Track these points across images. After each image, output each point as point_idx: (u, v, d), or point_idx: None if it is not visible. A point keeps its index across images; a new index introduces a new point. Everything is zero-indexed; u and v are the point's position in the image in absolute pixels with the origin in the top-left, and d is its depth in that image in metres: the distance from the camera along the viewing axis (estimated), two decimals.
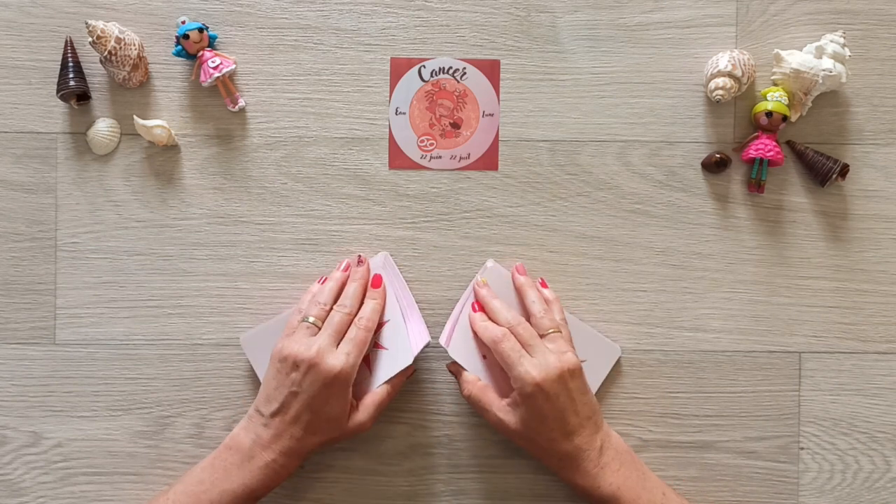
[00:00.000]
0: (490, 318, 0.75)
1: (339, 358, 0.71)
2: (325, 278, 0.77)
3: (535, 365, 0.71)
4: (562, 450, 0.71)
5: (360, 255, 0.77)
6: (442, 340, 0.76)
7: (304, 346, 0.71)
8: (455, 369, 0.76)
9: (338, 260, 0.79)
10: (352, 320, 0.74)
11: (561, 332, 0.74)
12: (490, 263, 0.78)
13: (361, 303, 0.76)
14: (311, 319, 0.73)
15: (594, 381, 0.77)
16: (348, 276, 0.77)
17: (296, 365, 0.71)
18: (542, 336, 0.73)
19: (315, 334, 0.73)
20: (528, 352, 0.72)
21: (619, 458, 0.73)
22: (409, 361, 0.75)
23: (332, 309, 0.74)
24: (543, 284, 0.78)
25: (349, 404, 0.72)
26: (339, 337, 0.73)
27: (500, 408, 0.73)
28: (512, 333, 0.73)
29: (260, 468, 0.71)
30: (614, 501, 0.71)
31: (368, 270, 0.77)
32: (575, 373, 0.72)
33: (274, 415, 0.71)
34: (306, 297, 0.77)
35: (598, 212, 0.80)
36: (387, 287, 0.77)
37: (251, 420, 0.73)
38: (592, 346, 0.78)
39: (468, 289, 0.78)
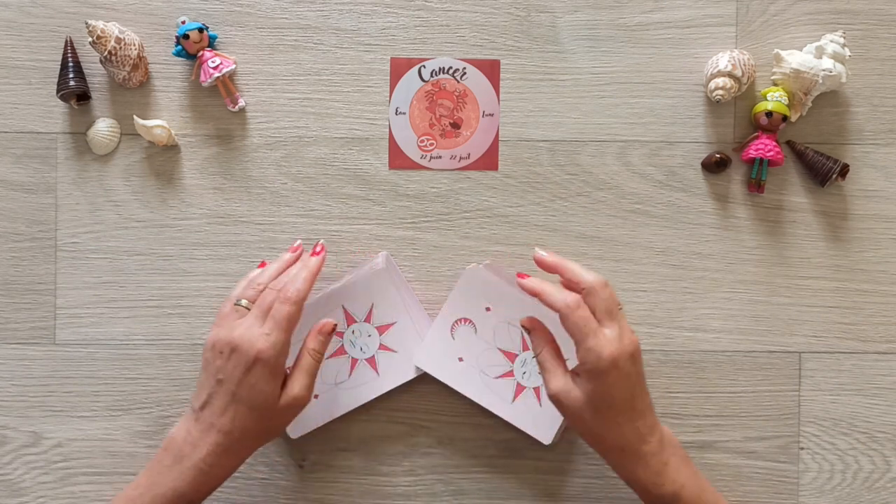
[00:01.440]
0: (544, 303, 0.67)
1: (259, 339, 0.65)
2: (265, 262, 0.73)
3: (612, 339, 0.63)
4: (626, 436, 0.65)
5: (319, 243, 0.71)
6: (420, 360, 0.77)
7: (228, 329, 0.66)
8: (530, 324, 0.68)
9: (338, 260, 0.79)
10: None
11: (622, 309, 0.67)
12: (470, 266, 0.78)
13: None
14: (244, 302, 0.68)
15: None
16: (295, 259, 0.71)
17: (220, 351, 0.66)
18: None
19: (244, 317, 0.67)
20: (601, 324, 0.65)
21: (678, 454, 0.67)
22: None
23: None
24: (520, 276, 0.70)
25: (278, 389, 0.66)
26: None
27: (566, 378, 0.66)
28: (585, 303, 0.65)
29: (189, 469, 0.65)
30: (676, 501, 0.65)
31: (323, 261, 0.71)
32: (640, 355, 0.66)
33: (202, 407, 0.66)
34: (243, 282, 0.71)
35: (598, 212, 0.80)
36: (391, 289, 0.77)
37: (185, 417, 0.68)
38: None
39: (445, 305, 0.78)
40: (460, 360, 0.77)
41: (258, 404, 0.66)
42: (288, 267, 0.71)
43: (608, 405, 0.64)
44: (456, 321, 0.77)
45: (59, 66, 0.79)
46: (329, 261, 0.80)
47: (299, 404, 0.68)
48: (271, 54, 0.80)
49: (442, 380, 0.77)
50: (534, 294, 0.67)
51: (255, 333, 0.65)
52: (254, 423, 0.66)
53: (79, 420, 0.79)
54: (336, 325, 0.70)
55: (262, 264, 0.74)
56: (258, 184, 0.80)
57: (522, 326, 0.69)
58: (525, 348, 0.77)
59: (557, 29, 0.80)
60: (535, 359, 0.69)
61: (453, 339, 0.77)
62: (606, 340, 0.64)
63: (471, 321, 0.77)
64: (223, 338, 0.66)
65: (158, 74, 0.80)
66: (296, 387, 0.67)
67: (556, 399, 0.66)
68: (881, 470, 0.80)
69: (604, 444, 0.67)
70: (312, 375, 0.68)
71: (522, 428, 0.77)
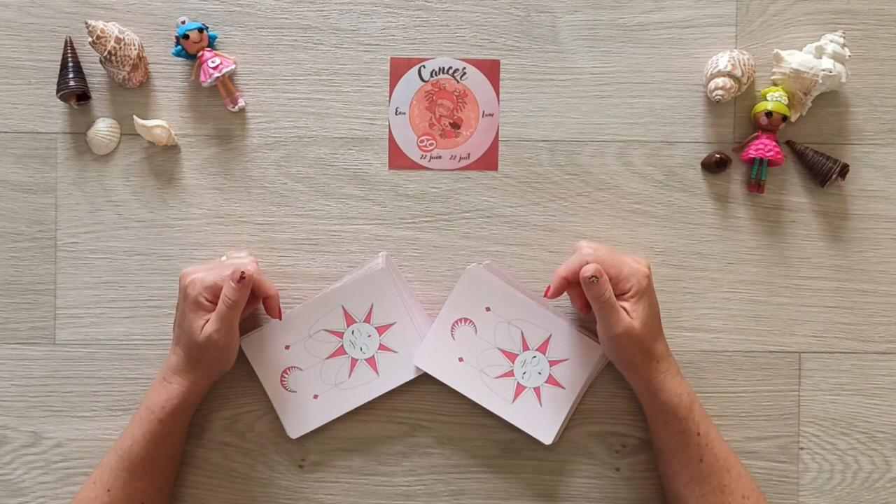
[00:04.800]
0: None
1: (190, 275, 0.74)
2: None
3: (637, 259, 0.74)
4: (658, 349, 0.73)
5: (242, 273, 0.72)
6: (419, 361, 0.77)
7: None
8: (596, 271, 0.70)
9: (338, 260, 0.79)
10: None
11: None
12: (470, 266, 0.78)
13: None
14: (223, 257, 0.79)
15: (578, 380, 0.77)
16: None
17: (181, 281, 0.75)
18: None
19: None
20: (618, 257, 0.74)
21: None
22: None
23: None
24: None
25: (200, 325, 0.72)
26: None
27: (625, 313, 0.71)
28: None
29: (156, 381, 0.75)
30: (689, 409, 0.72)
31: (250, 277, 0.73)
32: None
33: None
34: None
35: (598, 212, 0.80)
36: (391, 289, 0.77)
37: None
38: (576, 346, 0.77)
39: (445, 305, 0.78)
40: (460, 360, 0.77)
41: (186, 333, 0.73)
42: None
43: (655, 315, 0.73)
44: (456, 321, 0.77)
45: (59, 66, 0.79)
46: (329, 261, 0.80)
47: (214, 344, 0.72)
48: (271, 54, 0.80)
49: (442, 380, 0.77)
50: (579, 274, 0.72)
51: (193, 273, 0.74)
52: (185, 351, 0.73)
53: (79, 420, 0.79)
54: (244, 273, 0.72)
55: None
56: (258, 184, 0.80)
57: (589, 277, 0.70)
58: (525, 348, 0.77)
59: (557, 29, 0.80)
60: (602, 301, 0.71)
61: (453, 339, 0.77)
62: (635, 262, 0.73)
63: (471, 321, 0.77)
64: (183, 272, 0.75)
65: (158, 74, 0.80)
66: (209, 328, 0.72)
67: (624, 335, 0.71)
68: (881, 470, 0.80)
69: (652, 355, 0.73)
70: (225, 321, 0.72)
71: (522, 428, 0.77)
